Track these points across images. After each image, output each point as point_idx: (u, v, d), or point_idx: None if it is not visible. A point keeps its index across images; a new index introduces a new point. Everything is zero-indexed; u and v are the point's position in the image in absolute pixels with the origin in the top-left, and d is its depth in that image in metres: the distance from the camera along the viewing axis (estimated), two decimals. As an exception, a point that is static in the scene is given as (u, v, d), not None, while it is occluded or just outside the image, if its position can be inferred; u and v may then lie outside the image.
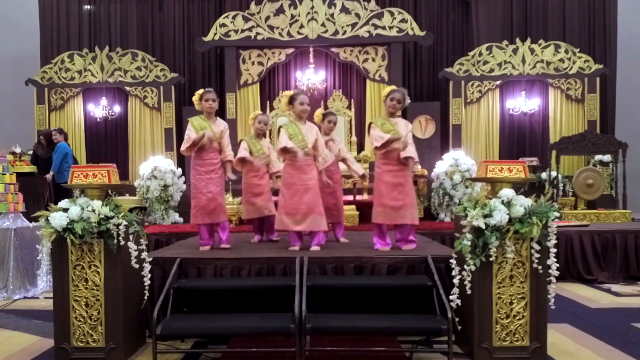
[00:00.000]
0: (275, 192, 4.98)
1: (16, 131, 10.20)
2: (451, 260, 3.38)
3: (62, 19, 10.63)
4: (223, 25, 9.71)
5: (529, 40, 9.67)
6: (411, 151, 4.25)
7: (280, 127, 4.53)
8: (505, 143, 9.93)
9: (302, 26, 9.71)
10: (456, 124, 9.73)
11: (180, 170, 8.07)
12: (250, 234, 5.49)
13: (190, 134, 4.46)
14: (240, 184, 5.24)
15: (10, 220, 5.74)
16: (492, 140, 9.84)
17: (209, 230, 4.59)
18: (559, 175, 8.10)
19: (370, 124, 4.47)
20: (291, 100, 4.51)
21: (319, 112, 5.22)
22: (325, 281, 3.76)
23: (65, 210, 3.37)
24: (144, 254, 3.51)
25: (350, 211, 7.14)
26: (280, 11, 9.71)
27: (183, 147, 4.50)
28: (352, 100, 9.77)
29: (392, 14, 9.66)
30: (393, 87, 4.52)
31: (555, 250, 3.27)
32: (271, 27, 9.69)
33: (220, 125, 4.60)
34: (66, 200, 3.48)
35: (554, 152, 8.03)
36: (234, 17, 9.73)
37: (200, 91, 4.60)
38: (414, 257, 3.92)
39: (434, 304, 3.46)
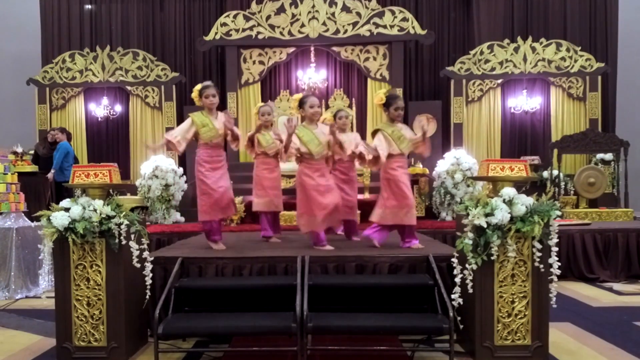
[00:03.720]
0: None
1: (17, 131, 10.22)
2: (452, 259, 3.38)
3: (63, 18, 10.64)
4: (224, 24, 9.71)
5: (530, 38, 9.66)
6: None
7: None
8: (506, 142, 9.93)
9: (303, 25, 9.70)
10: (457, 123, 9.72)
11: (181, 169, 8.08)
12: (252, 234, 5.47)
13: (179, 132, 4.38)
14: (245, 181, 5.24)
15: (12, 219, 5.74)
16: (493, 139, 9.84)
17: (220, 226, 4.57)
18: (561, 174, 8.09)
19: (376, 131, 4.47)
20: (301, 104, 4.50)
21: (329, 115, 5.20)
22: (326, 280, 3.76)
23: (67, 209, 3.38)
24: (146, 254, 3.52)
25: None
26: (281, 10, 9.71)
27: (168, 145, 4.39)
28: (353, 99, 9.75)
29: (393, 12, 9.65)
30: (385, 91, 4.56)
31: (556, 249, 3.26)
32: (272, 26, 9.69)
33: (221, 119, 4.46)
34: (67, 199, 3.48)
35: (555, 151, 8.02)
36: (234, 17, 9.73)
37: (199, 86, 4.52)
38: (415, 256, 3.92)
39: (436, 303, 3.46)
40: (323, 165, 4.49)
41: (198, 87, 4.53)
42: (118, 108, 10.14)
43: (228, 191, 4.48)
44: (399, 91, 9.68)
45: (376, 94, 4.57)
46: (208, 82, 4.60)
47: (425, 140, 4.44)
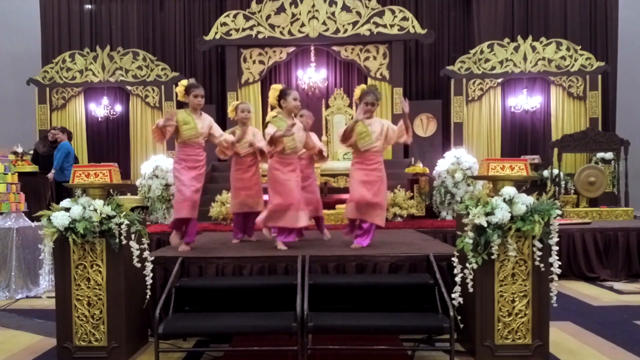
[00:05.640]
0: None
1: (18, 131, 10.23)
2: (453, 259, 3.38)
3: (63, 18, 10.65)
4: (224, 24, 9.71)
5: (530, 37, 9.66)
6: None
7: (268, 122, 4.42)
8: (507, 141, 9.94)
9: (303, 25, 9.71)
10: (458, 122, 9.73)
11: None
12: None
13: (163, 120, 4.28)
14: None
15: (13, 219, 5.74)
16: (493, 138, 9.84)
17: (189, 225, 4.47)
18: (561, 173, 8.09)
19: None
20: (282, 95, 4.42)
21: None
22: (327, 280, 3.75)
23: (67, 209, 3.38)
24: (146, 253, 3.52)
25: (351, 210, 7.13)
26: (281, 10, 9.71)
27: (153, 130, 4.30)
28: (353, 98, 9.75)
29: (393, 12, 9.66)
30: (365, 86, 4.56)
31: (557, 248, 3.26)
32: (272, 26, 9.69)
33: (206, 120, 4.43)
34: (68, 199, 3.48)
35: (555, 150, 8.02)
36: (235, 16, 9.73)
37: (186, 82, 4.41)
38: (415, 255, 3.92)
39: (436, 302, 3.46)
40: (295, 160, 4.47)
41: (184, 82, 4.41)
42: (118, 108, 10.15)
43: (197, 193, 4.38)
44: (399, 90, 9.69)
45: (356, 89, 4.56)
46: (194, 82, 4.51)
47: (406, 125, 4.37)
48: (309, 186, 4.98)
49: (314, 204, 5.01)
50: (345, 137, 4.37)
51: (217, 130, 4.52)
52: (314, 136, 4.89)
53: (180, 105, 9.80)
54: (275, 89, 4.47)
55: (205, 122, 4.44)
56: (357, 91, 4.51)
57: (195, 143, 4.39)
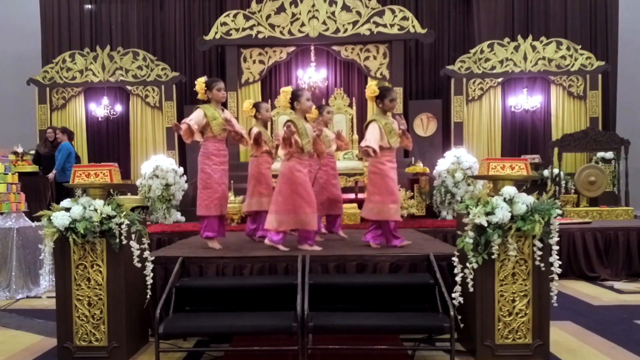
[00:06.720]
0: None
1: (18, 131, 10.23)
2: (453, 258, 3.38)
3: (63, 18, 10.65)
4: (224, 23, 9.71)
5: (530, 37, 9.66)
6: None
7: (290, 120, 4.26)
8: (507, 140, 9.94)
9: (303, 24, 9.71)
10: (458, 122, 9.73)
11: (182, 169, 8.08)
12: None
13: (196, 120, 4.25)
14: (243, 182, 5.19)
15: (13, 219, 5.74)
16: (494, 138, 9.84)
17: (220, 223, 4.52)
18: (561, 173, 8.09)
19: (371, 121, 4.37)
20: (295, 97, 4.36)
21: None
22: (327, 279, 3.75)
23: (68, 209, 3.38)
24: (146, 253, 3.52)
25: (352, 209, 7.14)
26: (281, 9, 9.71)
27: (184, 130, 4.19)
28: (354, 98, 9.77)
29: (393, 11, 9.65)
30: (375, 83, 4.47)
31: (557, 247, 3.26)
32: (272, 26, 9.69)
33: (226, 114, 4.50)
34: (68, 199, 3.48)
35: (556, 150, 8.02)
36: (235, 16, 9.73)
37: (203, 79, 4.43)
38: (416, 255, 3.92)
39: (437, 301, 3.46)
40: (307, 161, 4.44)
41: (203, 79, 4.43)
42: (118, 108, 10.15)
43: (227, 189, 4.56)
44: (399, 90, 9.70)
45: (368, 86, 4.43)
46: (216, 78, 4.61)
47: (406, 135, 4.43)
48: (337, 184, 5.19)
49: (339, 201, 5.20)
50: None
51: (236, 122, 4.57)
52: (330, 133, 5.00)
53: (180, 104, 9.91)
54: (286, 91, 4.40)
55: (226, 115, 4.48)
56: (374, 88, 4.37)
57: (222, 138, 4.46)
